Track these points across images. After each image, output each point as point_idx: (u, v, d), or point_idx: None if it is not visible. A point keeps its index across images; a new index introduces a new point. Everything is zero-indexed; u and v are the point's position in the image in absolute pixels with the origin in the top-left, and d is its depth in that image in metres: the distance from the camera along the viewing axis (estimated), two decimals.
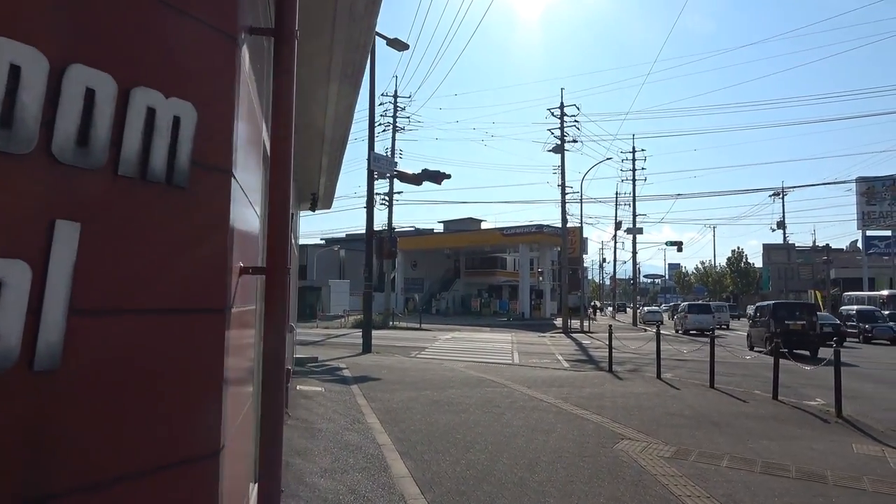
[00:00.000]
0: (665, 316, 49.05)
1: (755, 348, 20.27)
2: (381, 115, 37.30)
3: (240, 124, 2.09)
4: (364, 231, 35.85)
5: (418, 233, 59.58)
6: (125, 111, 1.53)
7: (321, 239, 63.04)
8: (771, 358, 10.62)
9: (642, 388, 11.13)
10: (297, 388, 10.02)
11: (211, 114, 1.82)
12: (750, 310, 33.60)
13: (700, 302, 40.02)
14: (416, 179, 21.33)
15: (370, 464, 5.70)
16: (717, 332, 29.69)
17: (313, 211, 13.42)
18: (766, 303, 22.45)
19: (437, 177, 20.48)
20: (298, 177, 10.58)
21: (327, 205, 14.33)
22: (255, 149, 2.71)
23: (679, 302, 53.41)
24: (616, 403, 9.34)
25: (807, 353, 17.60)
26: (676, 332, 31.65)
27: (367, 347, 18.47)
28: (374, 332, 28.28)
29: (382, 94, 38.19)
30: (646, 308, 54.53)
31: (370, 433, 6.99)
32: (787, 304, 22.88)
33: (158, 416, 1.68)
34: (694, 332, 30.17)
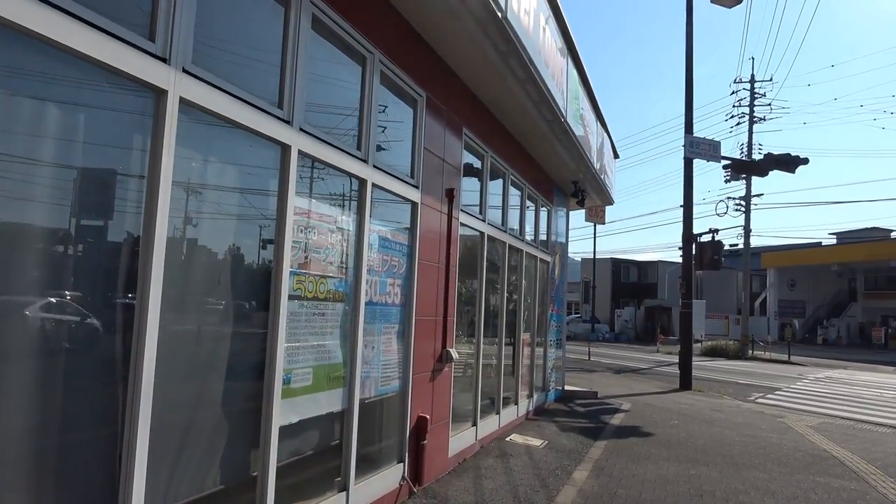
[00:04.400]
0: None
1: None
2: (734, 106, 31.64)
3: None
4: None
5: (794, 246, 49.85)
6: None
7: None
8: None
9: None
10: (510, 438, 7.35)
11: None
12: None
13: None
14: (758, 168, 16.40)
15: None
16: None
17: (581, 206, 10.62)
18: None
19: (787, 163, 15.27)
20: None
21: (606, 201, 11.40)
22: None
23: None
24: None
25: None
26: None
27: (684, 383, 14.55)
28: (723, 364, 23.70)
29: (736, 82, 32.33)
30: None
31: None
32: None
33: None
34: None
